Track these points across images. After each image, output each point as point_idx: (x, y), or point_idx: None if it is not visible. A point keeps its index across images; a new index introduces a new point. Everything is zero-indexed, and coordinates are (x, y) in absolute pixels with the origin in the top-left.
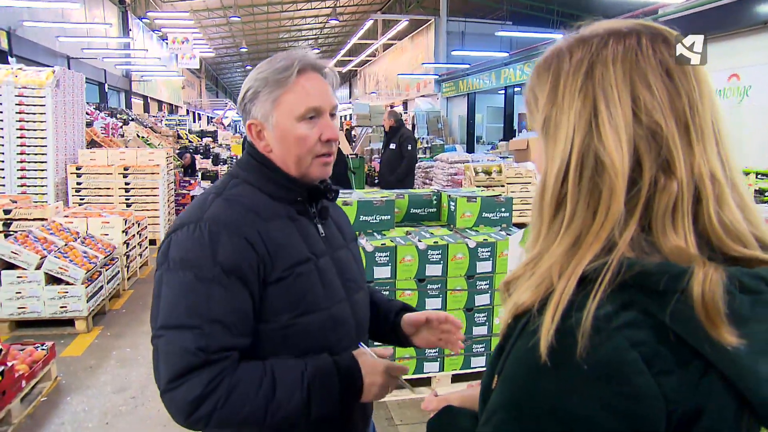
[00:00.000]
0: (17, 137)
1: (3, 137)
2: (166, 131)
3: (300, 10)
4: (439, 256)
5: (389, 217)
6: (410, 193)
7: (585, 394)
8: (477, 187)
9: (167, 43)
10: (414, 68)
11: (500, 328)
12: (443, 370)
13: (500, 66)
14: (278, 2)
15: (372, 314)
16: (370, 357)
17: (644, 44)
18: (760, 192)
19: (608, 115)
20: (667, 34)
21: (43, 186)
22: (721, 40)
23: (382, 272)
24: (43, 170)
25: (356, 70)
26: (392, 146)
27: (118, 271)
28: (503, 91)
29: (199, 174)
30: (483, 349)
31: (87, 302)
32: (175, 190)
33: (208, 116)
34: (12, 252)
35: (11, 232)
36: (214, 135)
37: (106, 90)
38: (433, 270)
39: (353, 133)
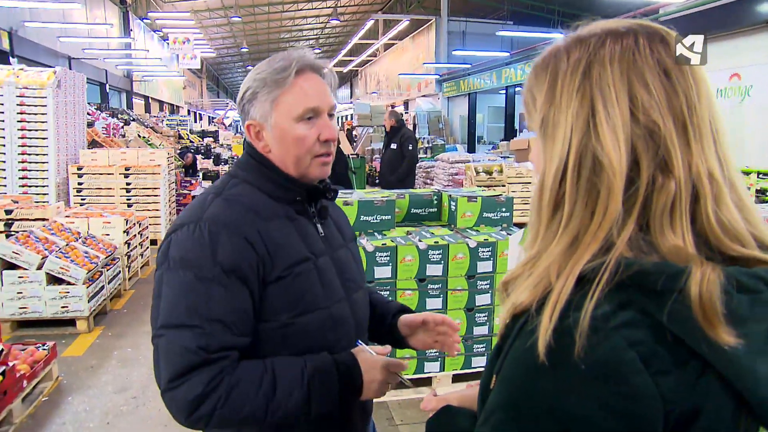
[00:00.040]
0: (18, 137)
1: (4, 137)
2: (167, 131)
3: (301, 10)
4: (440, 256)
5: (390, 217)
6: (411, 193)
7: (583, 394)
8: (478, 186)
9: (168, 44)
10: (415, 68)
11: (498, 327)
12: (444, 370)
13: (501, 66)
14: (279, 2)
15: (369, 315)
16: (369, 354)
17: (641, 44)
18: (761, 192)
19: (606, 114)
20: (664, 33)
21: (44, 186)
22: (722, 40)
23: (382, 272)
24: (44, 170)
25: (357, 70)
26: (393, 146)
27: (120, 271)
28: (504, 91)
29: (201, 174)
30: (484, 349)
31: (88, 302)
32: (176, 190)
33: (209, 116)
34: (13, 252)
35: (12, 233)
36: (215, 135)
37: (107, 90)
38: (434, 270)
39: (354, 133)
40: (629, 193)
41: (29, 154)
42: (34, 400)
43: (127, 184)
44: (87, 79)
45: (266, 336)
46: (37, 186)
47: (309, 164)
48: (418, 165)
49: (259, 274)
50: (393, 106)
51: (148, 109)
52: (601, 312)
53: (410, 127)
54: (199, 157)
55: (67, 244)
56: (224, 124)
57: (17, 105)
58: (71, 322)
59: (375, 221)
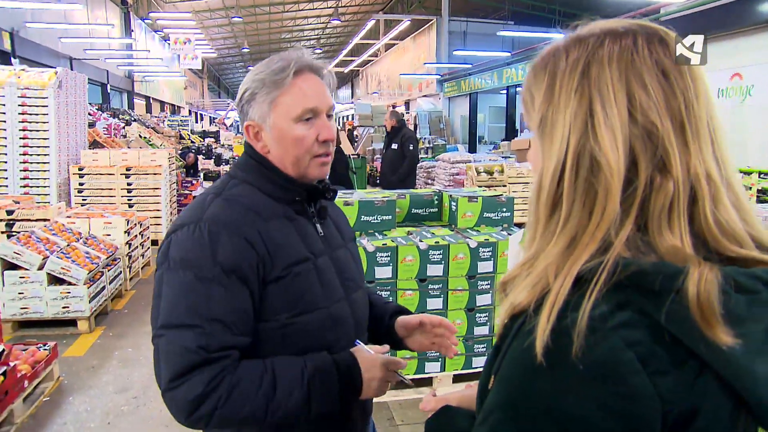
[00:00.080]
0: (20, 138)
1: (6, 138)
2: (169, 132)
3: (302, 10)
4: (441, 256)
5: (390, 217)
6: (411, 193)
7: (581, 394)
8: (479, 186)
9: (169, 44)
10: (416, 68)
11: (497, 328)
12: (444, 370)
13: (502, 66)
14: (280, 2)
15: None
16: (367, 353)
17: (640, 44)
18: (762, 191)
19: (604, 115)
20: (663, 33)
21: (45, 187)
22: (723, 40)
23: (383, 272)
24: (45, 171)
25: (358, 70)
26: (394, 146)
27: (120, 272)
28: (505, 91)
29: (202, 174)
30: (484, 349)
31: (89, 302)
32: (178, 191)
33: (210, 117)
34: (14, 252)
35: (14, 233)
36: (216, 135)
37: (109, 91)
38: (435, 270)
39: (355, 133)
40: (627, 194)
41: (30, 155)
42: (35, 400)
43: (128, 184)
44: (88, 79)
45: (266, 336)
46: (38, 186)
47: (308, 164)
48: (419, 165)
49: (258, 274)
50: (394, 106)
51: (149, 110)
52: (599, 312)
53: (411, 127)
54: (200, 157)
55: (68, 245)
56: (225, 125)
57: (19, 105)
58: (72, 323)
59: (376, 221)
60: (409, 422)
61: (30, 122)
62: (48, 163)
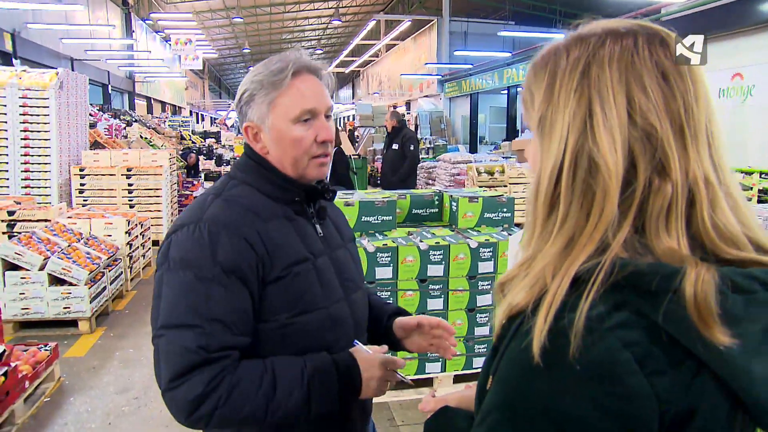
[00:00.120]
0: (21, 139)
1: (7, 139)
2: (170, 132)
3: (303, 11)
4: (441, 256)
5: (391, 217)
6: (412, 194)
7: (578, 395)
8: (479, 187)
9: (170, 45)
10: (417, 68)
11: (495, 328)
12: (445, 371)
13: (503, 66)
14: (281, 3)
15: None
16: (366, 353)
17: (641, 45)
18: (764, 191)
19: (603, 117)
20: (664, 35)
21: (46, 187)
22: (724, 40)
23: (383, 273)
24: (46, 171)
25: (359, 71)
26: (395, 146)
27: (121, 272)
28: (506, 91)
29: (202, 175)
30: (485, 349)
31: (90, 303)
32: (178, 191)
33: (211, 117)
34: (15, 253)
35: (15, 233)
36: (217, 136)
37: (110, 91)
38: (435, 270)
39: (356, 133)
40: (625, 195)
41: (32, 155)
42: (36, 401)
43: (129, 185)
44: (89, 80)
45: (265, 336)
46: (39, 187)
47: (307, 165)
48: (419, 165)
49: (258, 275)
50: (395, 107)
51: (150, 110)
52: (596, 313)
53: (412, 127)
54: (201, 158)
55: (69, 245)
56: (226, 125)
57: (20, 106)
58: (73, 323)
59: (376, 222)
60: (409, 423)
61: (31, 123)
62: (49, 163)
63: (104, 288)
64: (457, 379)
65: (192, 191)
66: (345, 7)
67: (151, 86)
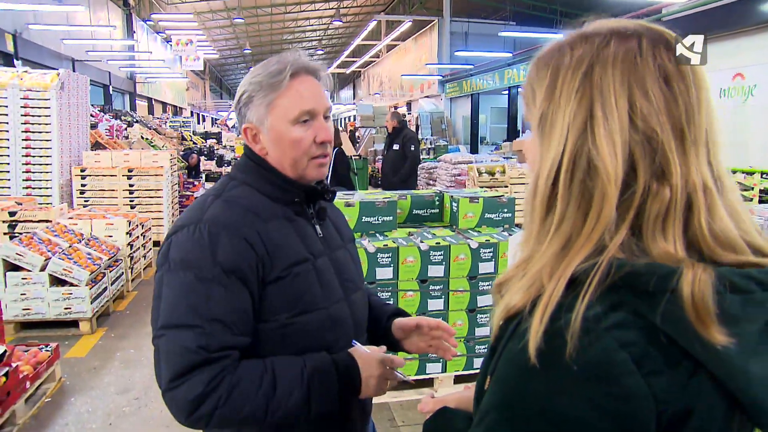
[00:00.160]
0: (22, 139)
1: (8, 139)
2: (171, 133)
3: (303, 11)
4: (442, 257)
5: (391, 218)
6: (413, 194)
7: (575, 395)
8: (480, 187)
9: (171, 45)
10: (417, 69)
11: (492, 329)
12: (446, 371)
13: (504, 66)
14: (282, 4)
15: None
16: (364, 352)
17: (645, 48)
18: (765, 192)
19: (604, 120)
20: (669, 38)
21: (47, 188)
22: (725, 39)
23: (384, 273)
24: (47, 172)
25: (360, 71)
26: (395, 147)
27: (122, 273)
28: (507, 92)
29: (203, 175)
30: (486, 350)
31: (91, 303)
32: (179, 192)
33: (212, 118)
34: (17, 254)
35: (16, 234)
36: (218, 136)
37: (111, 92)
38: (436, 271)
39: (357, 134)
40: (624, 198)
41: (33, 156)
42: (37, 401)
43: (130, 185)
44: (90, 81)
45: (265, 336)
46: (40, 188)
47: (306, 166)
48: (420, 166)
49: (258, 275)
50: (396, 107)
51: (151, 111)
52: (592, 313)
53: (413, 128)
54: (202, 158)
55: (70, 246)
56: (227, 126)
57: (21, 107)
58: (74, 324)
59: (377, 222)
60: (409, 423)
61: (32, 124)
62: (50, 164)
63: (105, 289)
64: (458, 379)
65: (193, 192)
66: (346, 7)
67: (152, 87)
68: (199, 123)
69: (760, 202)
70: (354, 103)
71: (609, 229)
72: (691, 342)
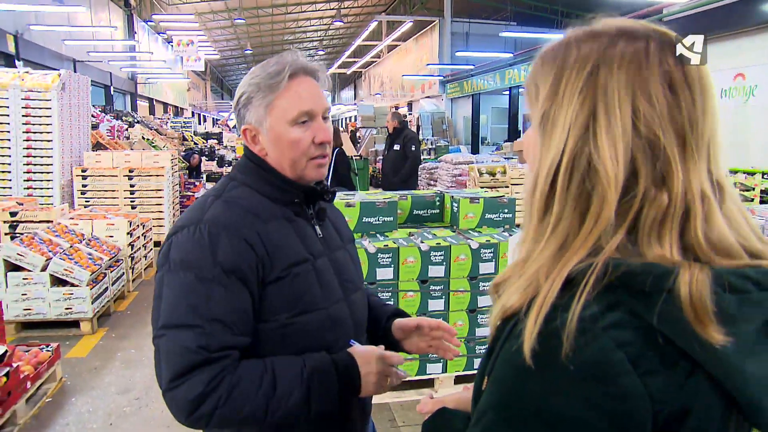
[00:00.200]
0: (23, 140)
1: (10, 140)
2: (172, 133)
3: (304, 12)
4: (442, 257)
5: (392, 218)
6: (413, 195)
7: (571, 395)
8: (481, 188)
9: (172, 46)
10: (418, 69)
11: (490, 329)
12: (446, 372)
13: (505, 66)
14: (283, 4)
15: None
16: (363, 349)
17: (651, 52)
18: (766, 192)
19: (606, 122)
20: (676, 41)
21: (48, 188)
22: (726, 40)
23: (384, 273)
24: (48, 173)
25: (361, 72)
26: (396, 147)
27: (123, 273)
28: (508, 92)
29: (204, 176)
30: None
31: (92, 304)
32: (180, 192)
33: (213, 118)
34: (18, 254)
35: (17, 234)
36: (219, 137)
37: (112, 93)
38: (436, 271)
39: (358, 134)
40: (624, 201)
41: (34, 156)
42: (37, 401)
43: (131, 186)
44: (91, 81)
45: (265, 336)
46: (41, 188)
47: (305, 166)
48: (421, 166)
49: (258, 275)
50: (397, 108)
51: (152, 111)
52: (589, 313)
53: (414, 128)
54: (203, 158)
55: (71, 246)
56: (228, 126)
57: (22, 108)
58: (75, 324)
59: (377, 223)
60: (410, 423)
61: (33, 124)
62: (51, 164)
63: (106, 289)
64: (458, 379)
65: (194, 192)
66: (347, 8)
67: (154, 87)
68: (200, 123)
69: (761, 202)
70: (355, 104)
71: (606, 232)
72: (689, 342)
